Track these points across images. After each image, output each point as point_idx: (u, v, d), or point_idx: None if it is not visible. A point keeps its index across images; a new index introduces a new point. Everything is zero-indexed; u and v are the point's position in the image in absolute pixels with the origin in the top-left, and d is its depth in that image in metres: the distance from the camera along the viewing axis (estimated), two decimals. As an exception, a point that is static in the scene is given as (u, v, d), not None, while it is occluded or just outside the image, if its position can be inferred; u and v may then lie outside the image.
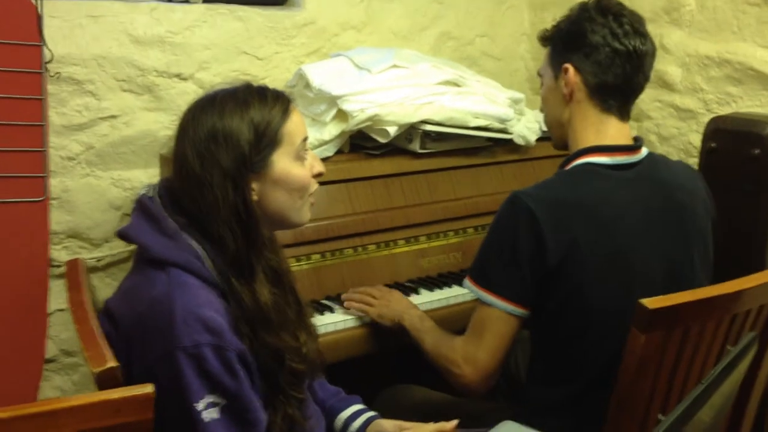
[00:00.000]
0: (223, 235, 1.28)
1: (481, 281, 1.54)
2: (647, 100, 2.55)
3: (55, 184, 2.09)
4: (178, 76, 2.23)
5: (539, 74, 1.70)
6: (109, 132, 2.17)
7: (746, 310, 1.44)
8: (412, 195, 2.10)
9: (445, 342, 1.63)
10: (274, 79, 2.34)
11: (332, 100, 2.06)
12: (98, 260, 2.21)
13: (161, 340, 1.19)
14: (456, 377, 1.58)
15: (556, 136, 1.69)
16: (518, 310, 1.51)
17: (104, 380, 1.10)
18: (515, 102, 2.31)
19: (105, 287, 2.19)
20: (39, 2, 1.95)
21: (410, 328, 1.73)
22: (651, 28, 2.48)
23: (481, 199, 2.15)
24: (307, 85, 2.11)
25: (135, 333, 1.24)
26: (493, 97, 2.24)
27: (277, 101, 1.34)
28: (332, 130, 2.06)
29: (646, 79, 1.60)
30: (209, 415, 1.19)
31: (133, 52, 2.15)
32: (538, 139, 2.28)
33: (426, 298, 1.91)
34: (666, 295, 1.36)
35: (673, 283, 1.51)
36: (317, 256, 1.92)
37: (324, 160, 2.04)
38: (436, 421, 1.44)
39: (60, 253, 2.15)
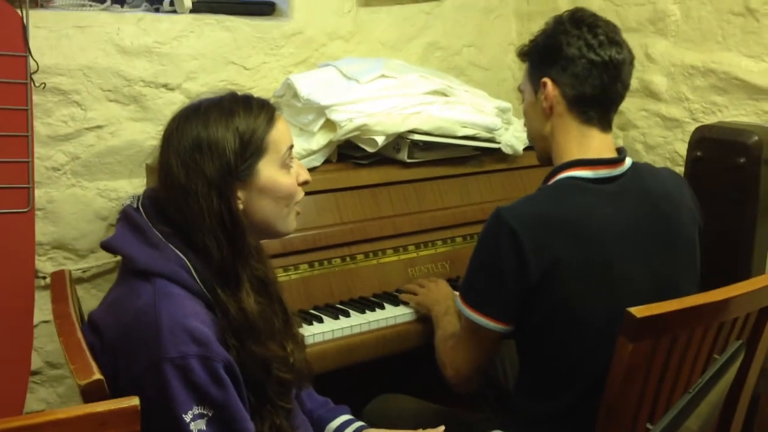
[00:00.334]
0: (209, 245, 1.27)
1: (467, 298, 1.57)
2: (633, 109, 2.57)
3: (40, 194, 2.08)
4: (165, 86, 2.22)
5: (520, 90, 1.71)
6: (95, 142, 2.16)
7: (733, 319, 1.45)
8: (401, 204, 2.10)
9: (447, 342, 1.68)
10: (262, 89, 2.34)
11: (320, 110, 2.06)
12: (84, 271, 2.20)
13: (147, 352, 1.19)
14: (443, 375, 1.67)
15: (540, 149, 1.69)
16: (501, 327, 1.54)
17: (90, 393, 1.09)
18: (503, 111, 2.32)
19: (91, 299, 2.18)
20: (25, 12, 1.94)
21: (433, 319, 1.79)
22: (636, 38, 2.52)
23: (469, 208, 2.16)
24: (295, 95, 2.10)
25: (120, 345, 1.23)
26: (480, 107, 2.25)
27: (262, 110, 1.34)
28: (320, 139, 2.06)
29: (625, 87, 1.60)
30: (196, 426, 1.18)
31: (119, 62, 2.14)
32: (526, 149, 2.29)
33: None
34: (653, 304, 1.36)
35: (661, 294, 1.50)
36: (305, 266, 1.91)
37: (312, 169, 2.03)
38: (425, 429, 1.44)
39: (45, 265, 2.13)
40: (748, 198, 1.99)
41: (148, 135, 2.22)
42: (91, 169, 2.17)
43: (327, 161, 2.10)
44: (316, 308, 1.88)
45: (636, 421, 1.42)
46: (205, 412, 1.19)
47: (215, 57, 2.29)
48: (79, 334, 1.24)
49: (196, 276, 1.27)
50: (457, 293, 1.66)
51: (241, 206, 1.31)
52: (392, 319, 1.86)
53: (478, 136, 2.20)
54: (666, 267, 1.56)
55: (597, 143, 1.59)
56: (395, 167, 2.13)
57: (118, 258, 1.35)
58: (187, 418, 1.17)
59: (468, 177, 2.23)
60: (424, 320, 1.86)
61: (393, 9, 2.61)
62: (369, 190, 2.07)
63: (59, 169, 2.12)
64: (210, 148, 1.28)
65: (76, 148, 2.14)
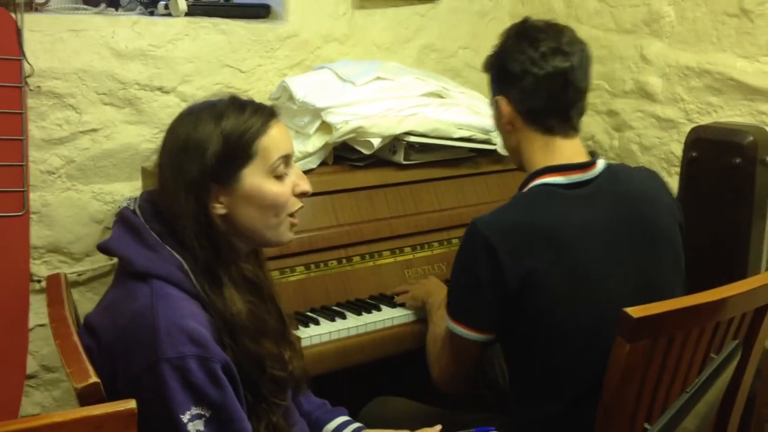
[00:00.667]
0: (192, 246, 1.27)
1: (449, 309, 1.59)
2: (629, 110, 2.57)
3: (35, 198, 2.08)
4: (161, 89, 2.22)
5: (490, 105, 1.72)
6: (90, 146, 2.16)
7: (729, 318, 1.45)
8: (397, 206, 2.10)
9: (436, 343, 1.68)
10: (258, 91, 2.34)
11: (316, 112, 2.06)
12: (79, 275, 2.19)
13: (145, 353, 1.19)
14: (430, 372, 1.70)
15: (514, 160, 1.72)
16: (481, 337, 1.56)
17: (86, 396, 1.09)
18: (497, 115, 2.32)
19: (86, 302, 2.17)
20: (19, 16, 1.94)
21: (427, 311, 1.81)
22: (631, 39, 2.53)
23: (465, 210, 2.16)
24: (291, 98, 2.10)
25: (118, 347, 1.23)
26: (476, 109, 2.25)
27: (256, 114, 1.32)
28: (316, 142, 2.06)
29: (579, 91, 1.60)
30: (194, 427, 1.18)
31: (114, 65, 2.14)
32: (521, 150, 2.29)
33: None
34: (650, 304, 1.36)
35: (645, 294, 1.51)
36: (301, 268, 1.91)
37: (308, 172, 2.03)
38: (421, 432, 1.44)
39: (40, 268, 2.13)
40: (744, 198, 2.00)
41: (144, 138, 2.22)
42: (86, 173, 2.16)
43: (323, 163, 2.10)
44: (312, 310, 1.88)
45: (633, 422, 1.42)
46: (202, 413, 1.19)
47: (210, 60, 2.29)
48: (76, 338, 1.24)
49: (192, 277, 1.26)
50: None
51: (223, 211, 1.30)
52: (389, 321, 1.86)
53: (473, 137, 2.20)
54: (647, 266, 1.57)
55: (564, 149, 1.60)
56: (391, 169, 2.13)
57: (113, 261, 1.35)
58: (185, 418, 1.17)
59: (464, 178, 2.23)
60: (421, 322, 1.86)
61: (388, 11, 2.61)
62: (365, 192, 2.07)
63: (54, 173, 2.12)
64: (194, 149, 1.28)
65: (71, 152, 2.13)
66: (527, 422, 1.57)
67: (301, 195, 1.37)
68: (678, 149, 2.36)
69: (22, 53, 1.95)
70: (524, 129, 1.61)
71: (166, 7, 2.26)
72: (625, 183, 1.62)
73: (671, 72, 2.44)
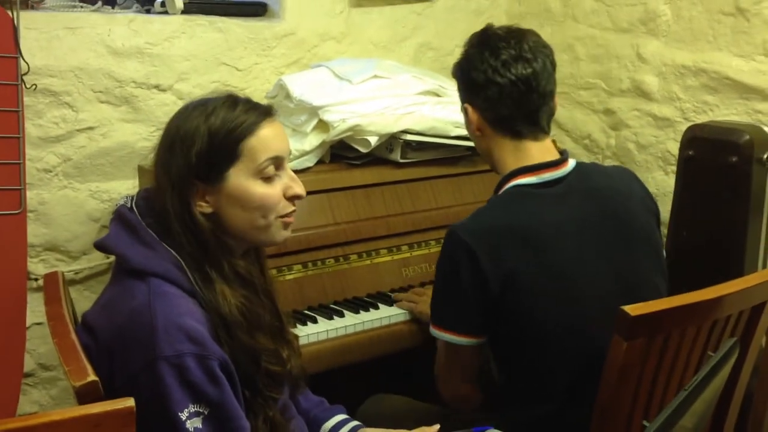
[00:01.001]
0: (181, 242, 1.27)
1: (435, 319, 1.60)
2: (625, 109, 2.57)
3: (31, 196, 2.07)
4: (157, 87, 2.22)
5: (461, 111, 1.72)
6: (86, 144, 2.15)
7: (726, 316, 1.46)
8: (394, 204, 2.10)
9: (440, 359, 1.67)
10: (255, 89, 2.34)
11: (313, 111, 2.06)
12: (76, 273, 2.19)
13: (143, 351, 1.19)
14: (441, 392, 1.69)
15: (489, 163, 1.73)
16: (472, 341, 1.57)
17: (85, 394, 1.09)
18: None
19: (83, 300, 2.17)
20: (15, 14, 1.94)
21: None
22: (628, 38, 2.53)
23: (463, 208, 2.15)
24: (288, 96, 2.10)
25: (115, 345, 1.23)
26: (473, 107, 2.25)
27: (248, 113, 1.30)
28: (313, 140, 2.06)
29: (545, 95, 1.61)
30: (192, 424, 1.18)
31: (110, 63, 2.14)
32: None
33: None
34: (647, 302, 1.37)
35: (623, 291, 1.53)
36: (299, 267, 1.91)
37: (304, 170, 2.03)
38: (420, 430, 1.44)
39: (37, 266, 2.12)
40: (740, 197, 2.00)
41: (140, 136, 2.21)
42: (82, 171, 2.16)
43: (320, 162, 2.10)
44: (310, 309, 1.88)
45: (630, 420, 1.43)
46: (200, 410, 1.19)
47: (207, 58, 2.29)
48: (74, 336, 1.24)
49: (189, 274, 1.26)
50: None
51: (209, 210, 1.30)
52: (386, 319, 1.86)
53: (470, 136, 2.20)
54: (623, 263, 1.58)
55: (534, 151, 1.61)
56: (388, 167, 2.13)
57: (111, 259, 1.35)
58: (183, 416, 1.17)
59: (461, 177, 2.24)
60: (418, 320, 1.86)
61: (385, 10, 2.61)
62: (362, 190, 2.07)
63: (51, 171, 2.12)
64: (180, 146, 1.28)
65: (67, 150, 2.13)
66: (517, 423, 1.57)
67: (293, 198, 1.35)
68: (674, 148, 2.36)
69: (19, 51, 1.95)
70: (493, 135, 1.63)
71: (163, 4, 2.25)
72: (596, 180, 1.64)
73: (667, 71, 2.44)
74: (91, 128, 2.15)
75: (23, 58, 1.96)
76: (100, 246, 1.35)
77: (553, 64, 1.64)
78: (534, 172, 1.59)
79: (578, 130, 2.74)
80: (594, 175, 1.65)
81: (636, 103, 2.54)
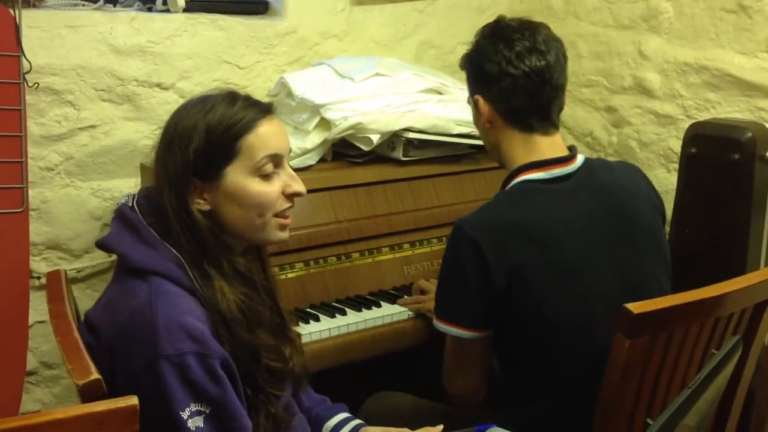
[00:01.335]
0: (180, 240, 1.27)
1: (441, 314, 1.59)
2: (627, 106, 2.57)
3: (34, 195, 2.07)
4: (159, 85, 2.22)
5: (468, 103, 1.71)
6: (88, 142, 2.15)
7: (729, 314, 1.45)
8: (396, 202, 2.10)
9: (446, 357, 1.66)
10: (256, 88, 2.34)
11: (315, 109, 2.06)
12: (78, 271, 2.19)
13: (144, 350, 1.18)
14: (447, 388, 1.67)
15: (495, 158, 1.72)
16: (478, 335, 1.56)
17: (88, 392, 1.09)
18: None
19: (86, 299, 2.17)
20: (17, 12, 1.93)
21: None
22: (630, 36, 2.53)
23: (465, 206, 2.15)
24: (290, 94, 2.10)
25: (117, 344, 1.23)
26: (474, 105, 2.25)
27: (246, 110, 1.29)
28: (315, 138, 2.05)
29: (557, 88, 1.60)
30: (194, 423, 1.18)
31: (112, 61, 2.14)
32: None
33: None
34: (650, 300, 1.37)
35: (629, 288, 1.52)
36: (301, 265, 1.91)
37: (306, 168, 2.03)
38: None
39: (39, 265, 2.13)
40: (743, 194, 2.00)
41: (142, 134, 2.21)
42: (84, 169, 2.16)
43: (322, 160, 2.10)
44: (312, 307, 1.88)
45: (633, 418, 1.42)
46: (202, 409, 1.19)
47: (209, 56, 2.29)
48: (77, 334, 1.24)
49: (189, 272, 1.26)
50: None
51: (207, 207, 1.29)
52: (389, 317, 1.86)
53: (472, 134, 2.19)
54: (629, 260, 1.58)
55: (543, 146, 1.60)
56: (390, 165, 2.13)
57: (113, 258, 1.35)
58: (185, 415, 1.17)
59: (463, 175, 2.23)
60: (421, 318, 1.86)
61: (386, 8, 2.61)
62: (364, 188, 2.07)
63: (53, 169, 2.12)
64: (178, 143, 1.28)
65: (69, 148, 2.13)
66: (521, 420, 1.57)
67: (293, 196, 1.34)
68: (676, 145, 2.36)
69: (21, 49, 1.95)
70: (504, 127, 1.62)
71: (165, 2, 2.25)
72: (603, 176, 1.63)
73: (669, 68, 2.44)
74: (93, 126, 2.15)
75: (25, 57, 1.96)
76: (102, 245, 1.35)
77: (565, 58, 1.63)
78: (543, 168, 1.58)
79: (580, 128, 2.74)
80: (601, 171, 1.64)
81: (638, 101, 2.54)
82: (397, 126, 2.08)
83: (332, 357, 1.76)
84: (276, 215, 1.33)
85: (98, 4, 2.21)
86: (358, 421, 1.53)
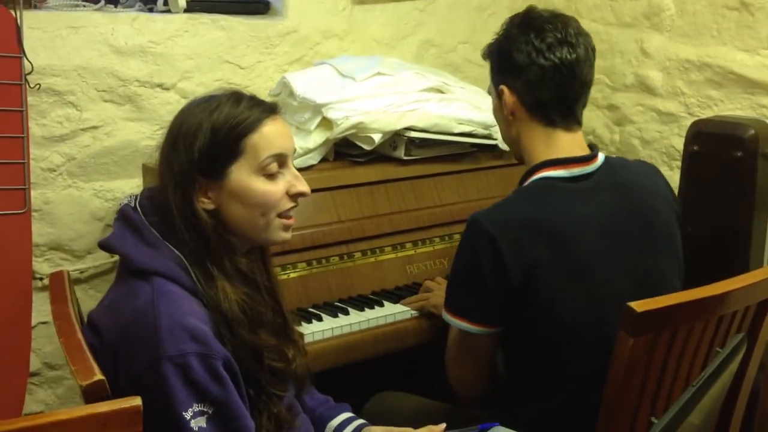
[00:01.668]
0: (183, 238, 1.27)
1: (451, 307, 1.57)
2: (629, 104, 2.57)
3: (36, 196, 2.07)
4: (161, 86, 2.22)
5: (488, 92, 1.70)
6: (90, 143, 2.15)
7: (732, 312, 1.45)
8: (398, 202, 2.09)
9: (451, 350, 1.66)
10: (258, 87, 2.34)
11: (316, 108, 2.05)
12: (81, 272, 2.19)
13: (147, 351, 1.19)
14: (449, 379, 1.66)
15: (513, 151, 1.70)
16: (488, 330, 1.55)
17: (91, 393, 1.09)
18: (498, 108, 2.32)
19: (88, 299, 2.17)
20: (18, 13, 1.93)
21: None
22: (632, 33, 2.52)
23: (467, 205, 2.15)
24: (291, 94, 2.10)
25: (120, 345, 1.23)
26: (476, 104, 2.25)
27: (251, 110, 1.30)
28: (317, 138, 2.05)
29: (585, 84, 1.59)
30: (197, 424, 1.18)
31: (114, 62, 2.14)
32: (522, 145, 2.28)
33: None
34: (654, 298, 1.36)
35: (643, 289, 1.51)
36: (303, 265, 1.91)
37: (308, 168, 2.03)
38: (426, 429, 1.44)
39: (42, 266, 2.13)
40: (745, 192, 2.00)
41: (144, 135, 2.21)
42: (86, 170, 2.16)
43: (324, 159, 2.10)
44: (315, 306, 1.88)
45: (636, 416, 1.42)
46: (205, 410, 1.19)
47: (210, 56, 2.29)
48: (80, 335, 1.24)
49: (191, 272, 1.26)
50: None
51: (211, 206, 1.30)
52: (391, 316, 1.85)
53: (474, 132, 2.20)
54: (646, 260, 1.57)
55: (565, 143, 1.59)
56: (392, 165, 2.13)
57: (115, 258, 1.35)
58: (188, 415, 1.17)
59: (465, 174, 2.23)
60: (424, 318, 1.86)
61: (387, 7, 2.61)
62: (366, 187, 2.06)
63: (55, 170, 2.12)
64: (183, 142, 1.28)
65: (71, 149, 2.13)
66: (526, 419, 1.56)
67: (297, 196, 1.35)
68: (679, 143, 2.36)
69: (22, 50, 1.95)
70: (526, 120, 1.60)
71: (166, 3, 2.25)
72: (623, 176, 1.62)
73: (672, 66, 2.44)
74: (94, 127, 2.15)
75: (26, 58, 1.96)
76: (105, 246, 1.35)
77: (594, 53, 1.60)
78: (564, 166, 1.56)
79: (582, 126, 2.73)
80: (621, 170, 1.63)
81: (640, 99, 2.53)
82: (398, 125, 2.08)
83: (335, 357, 1.76)
84: (279, 215, 1.33)
85: (99, 5, 2.21)
86: (361, 421, 1.53)
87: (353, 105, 2.06)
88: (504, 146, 2.24)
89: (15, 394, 2.00)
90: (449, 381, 1.67)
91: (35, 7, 2.08)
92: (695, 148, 2.08)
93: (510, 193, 1.59)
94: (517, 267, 1.47)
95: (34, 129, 2.05)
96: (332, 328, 1.78)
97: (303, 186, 1.35)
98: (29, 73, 1.99)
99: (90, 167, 2.16)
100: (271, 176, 1.31)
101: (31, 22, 1.99)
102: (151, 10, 2.27)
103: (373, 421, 1.54)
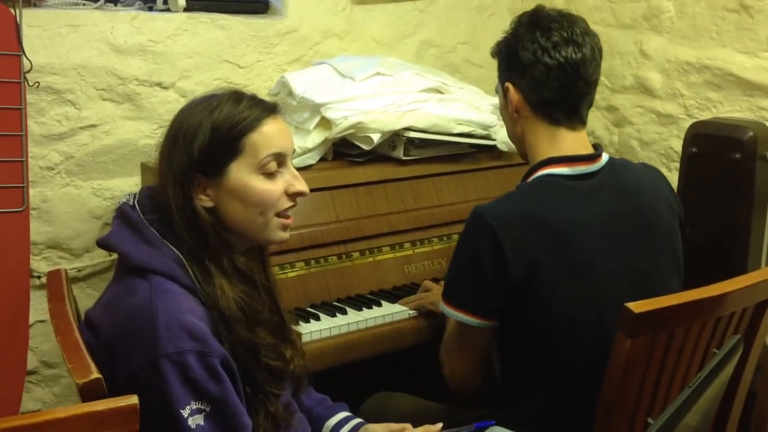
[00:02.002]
0: (182, 236, 1.28)
1: (449, 298, 1.57)
2: (628, 105, 2.57)
3: (34, 194, 2.07)
4: (160, 84, 2.22)
5: (496, 91, 1.70)
6: (89, 141, 2.15)
7: (730, 313, 1.45)
8: (396, 202, 2.09)
9: (447, 343, 1.66)
10: (257, 87, 2.34)
11: (315, 108, 2.05)
12: (79, 271, 2.19)
13: (144, 349, 1.19)
14: (443, 372, 1.66)
15: (518, 149, 1.71)
16: (486, 323, 1.54)
17: (88, 392, 1.09)
18: (498, 108, 2.31)
19: (86, 298, 2.17)
20: (18, 11, 1.93)
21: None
22: (631, 35, 2.53)
23: (465, 206, 2.14)
24: (290, 93, 2.10)
25: (117, 343, 1.23)
26: (476, 104, 2.25)
27: (251, 109, 1.31)
28: (315, 137, 2.05)
29: (590, 83, 1.59)
30: (194, 421, 1.18)
31: (113, 61, 2.14)
32: (521, 146, 2.29)
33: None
34: (651, 299, 1.36)
35: (642, 290, 1.51)
36: (301, 264, 1.91)
37: (307, 167, 2.03)
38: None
39: (40, 264, 2.13)
40: (744, 193, 1.99)
41: (143, 134, 2.21)
42: (85, 168, 2.16)
43: (322, 159, 2.10)
44: (313, 306, 1.88)
45: (634, 417, 1.42)
46: (202, 407, 1.19)
47: (209, 55, 2.29)
48: (77, 333, 1.24)
49: (189, 270, 1.26)
50: None
51: (210, 204, 1.30)
52: (389, 316, 1.85)
53: (473, 133, 2.20)
54: (646, 261, 1.57)
55: (569, 141, 1.59)
56: (391, 165, 2.13)
57: (113, 257, 1.35)
58: (185, 413, 1.17)
59: (464, 174, 2.23)
60: (422, 318, 1.86)
61: (387, 7, 2.61)
62: (365, 187, 2.07)
63: (53, 169, 2.12)
64: (183, 140, 1.29)
65: (70, 147, 2.13)
66: (523, 418, 1.56)
67: (296, 195, 1.35)
68: (678, 145, 2.36)
69: (21, 49, 1.94)
70: (531, 118, 1.61)
71: (165, 2, 2.25)
72: (626, 176, 1.62)
73: (671, 67, 2.44)
74: (93, 126, 2.15)
75: (26, 56, 1.96)
76: (103, 244, 1.35)
77: (600, 53, 1.61)
78: (567, 164, 1.56)
79: (586, 125, 2.73)
80: (624, 171, 1.63)
81: (639, 100, 2.54)
82: (397, 125, 2.08)
83: (333, 356, 1.76)
84: (278, 215, 1.34)
85: (99, 4, 2.21)
86: (358, 420, 1.53)
87: (352, 105, 2.06)
88: (503, 147, 2.26)
89: (12, 392, 2.00)
90: (444, 375, 1.67)
91: (35, 5, 2.08)
92: (694, 149, 2.08)
93: (514, 189, 1.59)
94: (518, 264, 1.48)
95: (33, 127, 2.05)
96: (330, 328, 1.78)
97: (302, 185, 1.35)
98: (28, 71, 1.99)
99: (88, 166, 2.16)
100: (270, 175, 1.32)
101: (30, 20, 1.99)
102: (150, 9, 2.27)
103: (371, 421, 1.55)
